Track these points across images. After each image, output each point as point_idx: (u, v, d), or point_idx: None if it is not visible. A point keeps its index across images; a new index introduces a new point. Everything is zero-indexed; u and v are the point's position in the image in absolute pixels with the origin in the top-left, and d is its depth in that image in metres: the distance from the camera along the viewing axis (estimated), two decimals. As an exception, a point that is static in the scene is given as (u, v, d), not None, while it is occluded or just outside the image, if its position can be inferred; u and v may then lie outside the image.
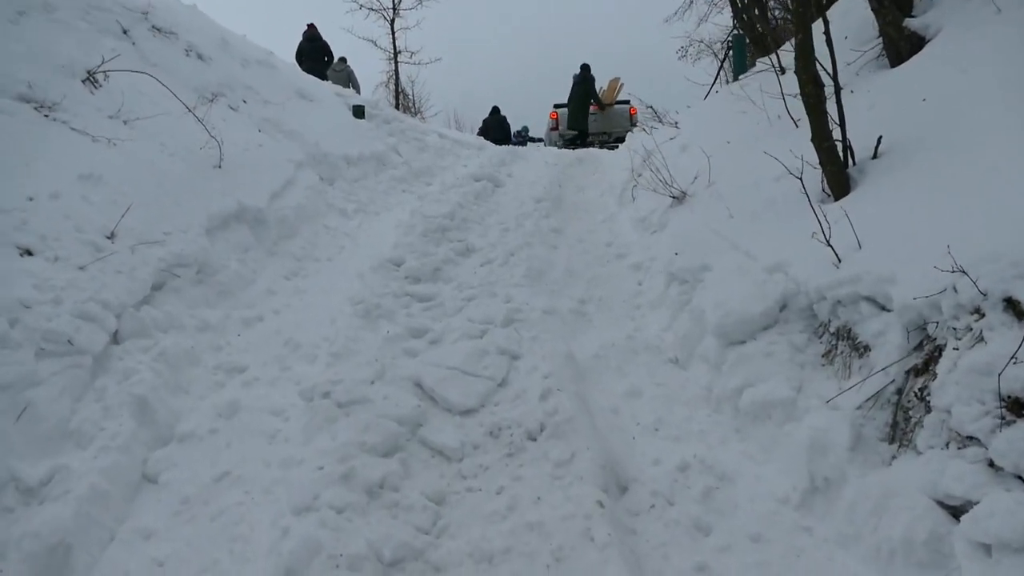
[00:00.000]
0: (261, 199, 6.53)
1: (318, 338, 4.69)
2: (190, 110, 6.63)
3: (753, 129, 5.96)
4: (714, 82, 10.60)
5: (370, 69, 15.80)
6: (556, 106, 19.89)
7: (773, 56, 7.20)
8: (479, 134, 19.90)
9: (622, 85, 19.34)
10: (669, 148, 7.13)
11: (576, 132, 15.88)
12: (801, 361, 3.36)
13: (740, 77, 10.15)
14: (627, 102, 19.77)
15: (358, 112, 11.34)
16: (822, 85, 4.10)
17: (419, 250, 5.88)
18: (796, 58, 4.12)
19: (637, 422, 3.55)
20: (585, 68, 16.51)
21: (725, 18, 24.99)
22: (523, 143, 20.08)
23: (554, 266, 5.78)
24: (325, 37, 14.46)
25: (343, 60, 14.75)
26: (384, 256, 5.72)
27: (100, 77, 6.64)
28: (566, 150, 13.62)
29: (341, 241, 7.04)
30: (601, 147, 19.38)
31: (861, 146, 4.23)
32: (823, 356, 3.34)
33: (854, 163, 4.20)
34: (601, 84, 19.75)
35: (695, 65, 17.61)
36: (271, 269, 5.98)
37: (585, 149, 13.20)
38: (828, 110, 4.15)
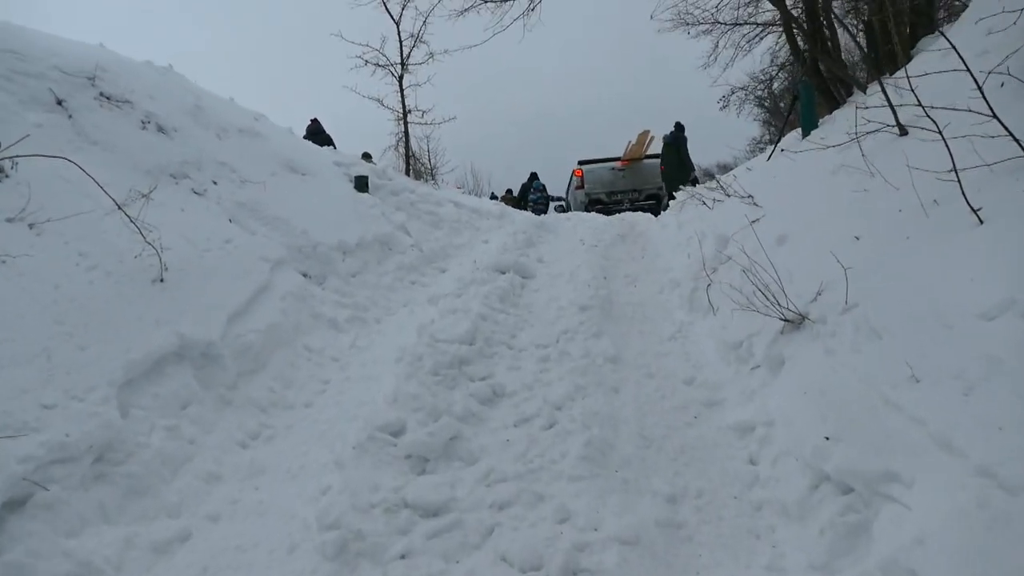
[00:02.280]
0: (215, 325, 4.84)
1: (263, 591, 2.93)
2: (120, 206, 4.98)
3: (894, 220, 4.21)
4: (778, 140, 8.92)
5: (377, 129, 14.26)
6: (581, 163, 18.39)
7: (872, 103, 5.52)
8: (515, 202, 18.51)
9: (652, 138, 17.80)
10: (756, 235, 5.40)
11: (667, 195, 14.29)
12: None
13: (810, 132, 8.48)
14: (658, 156, 18.24)
15: (361, 184, 9.75)
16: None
17: (427, 404, 4.13)
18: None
19: None
20: (680, 128, 15.04)
21: (753, 62, 23.58)
22: (543, 208, 18.44)
23: (620, 429, 4.00)
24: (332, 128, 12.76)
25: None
26: (377, 421, 3.96)
27: (7, 165, 5.06)
28: (599, 218, 11.94)
29: (327, 372, 5.32)
30: (632, 206, 17.83)
31: None
32: None
33: None
34: (629, 138, 18.26)
35: (739, 116, 15.98)
36: (221, 431, 4.25)
37: (620, 217, 11.50)
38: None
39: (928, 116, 3.83)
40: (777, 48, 21.73)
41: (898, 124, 5.27)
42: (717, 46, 20.67)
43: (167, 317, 4.59)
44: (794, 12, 9.34)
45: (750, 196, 6.55)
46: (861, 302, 3.77)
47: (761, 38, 20.85)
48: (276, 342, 5.33)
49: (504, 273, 7.39)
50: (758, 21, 20.59)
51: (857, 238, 4.32)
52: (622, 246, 8.68)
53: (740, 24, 20.78)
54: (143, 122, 6.85)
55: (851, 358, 3.51)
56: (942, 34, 5.42)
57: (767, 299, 4.36)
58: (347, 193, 9.11)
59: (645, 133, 17.43)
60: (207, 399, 4.41)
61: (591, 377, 4.54)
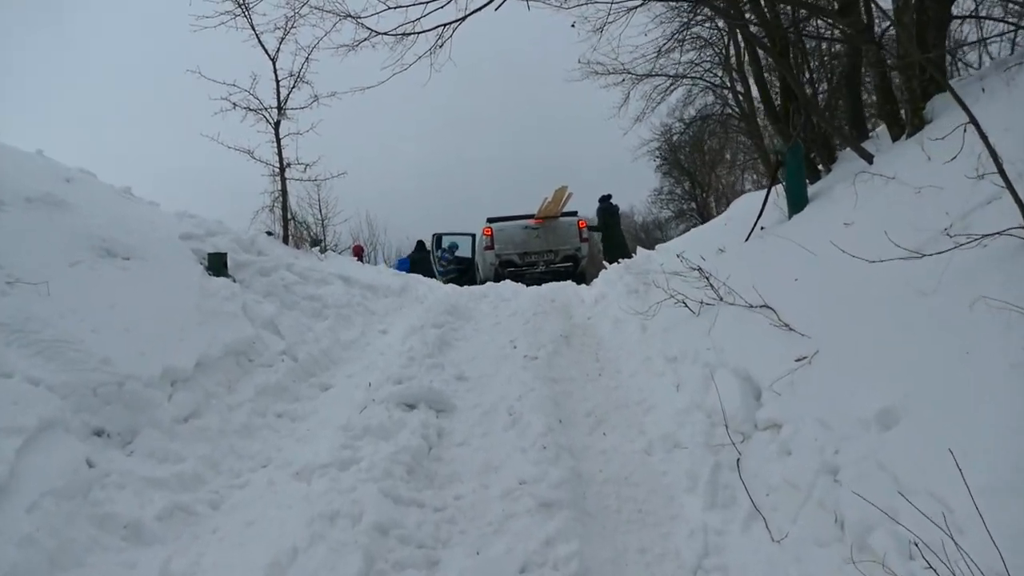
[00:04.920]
0: None
1: None
2: None
3: None
4: (759, 217, 7.11)
5: (249, 187, 11.73)
6: (490, 220, 16.40)
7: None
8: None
9: (570, 195, 16.03)
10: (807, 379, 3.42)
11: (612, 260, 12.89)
12: None
13: (801, 210, 6.70)
14: (575, 213, 16.52)
15: (216, 265, 7.32)
16: None
17: None
18: None
19: None
20: (609, 197, 15.93)
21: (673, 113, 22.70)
22: (456, 273, 16.34)
23: None
24: None
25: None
26: None
27: None
28: (521, 295, 9.86)
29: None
30: (547, 268, 15.90)
31: None
32: None
33: None
34: (546, 194, 16.44)
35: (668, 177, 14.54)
36: None
37: (550, 298, 9.45)
38: None
39: None
40: (688, 100, 20.74)
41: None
42: (628, 97, 19.58)
43: None
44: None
45: (767, 306, 4.58)
46: None
47: (672, 90, 19.83)
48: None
49: (412, 408, 5.18)
50: (668, 73, 19.58)
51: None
52: (568, 353, 6.56)
53: (651, 76, 19.72)
54: None
55: None
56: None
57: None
58: (193, 281, 6.64)
59: (563, 189, 15.63)
60: None
61: None
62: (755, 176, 24.71)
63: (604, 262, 12.01)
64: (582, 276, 14.95)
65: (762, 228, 6.97)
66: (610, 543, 3.49)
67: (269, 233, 10.41)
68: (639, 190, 40.44)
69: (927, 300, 3.47)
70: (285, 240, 10.43)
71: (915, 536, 2.30)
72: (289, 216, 10.76)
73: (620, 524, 3.68)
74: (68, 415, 4.12)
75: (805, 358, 3.79)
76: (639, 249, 10.64)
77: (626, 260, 9.82)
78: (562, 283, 11.48)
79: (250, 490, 4.43)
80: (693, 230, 13.13)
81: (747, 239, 6.96)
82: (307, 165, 10.99)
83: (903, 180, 5.02)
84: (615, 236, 15.30)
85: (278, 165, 10.73)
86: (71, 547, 3.41)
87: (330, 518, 3.51)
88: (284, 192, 10.76)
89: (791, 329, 4.17)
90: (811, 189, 7.12)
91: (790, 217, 6.72)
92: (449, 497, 3.95)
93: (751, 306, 4.75)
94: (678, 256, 6.47)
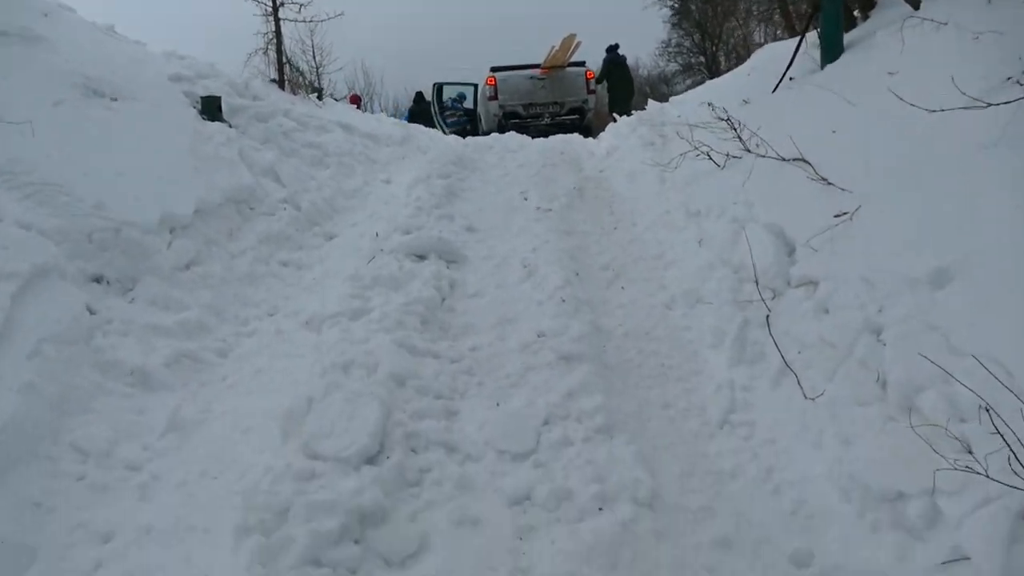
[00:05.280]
0: None
1: None
2: None
3: None
4: (789, 66, 6.65)
5: (240, 27, 10.93)
6: (494, 69, 15.64)
7: None
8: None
9: (579, 44, 15.19)
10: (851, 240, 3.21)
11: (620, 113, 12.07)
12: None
13: (835, 59, 6.23)
14: (583, 64, 15.74)
15: (210, 109, 6.92)
16: None
17: None
18: None
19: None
20: (616, 47, 14.93)
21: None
22: (462, 126, 15.79)
23: None
24: None
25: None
26: None
27: None
28: (528, 146, 9.46)
29: (112, 507, 2.83)
30: (552, 120, 15.33)
31: None
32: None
33: None
34: (552, 43, 15.58)
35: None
36: None
37: (559, 150, 9.07)
38: None
39: None
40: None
41: None
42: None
43: None
44: None
45: (802, 159, 4.29)
46: None
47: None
48: (7, 456, 2.80)
49: (422, 259, 4.99)
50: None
51: None
52: (583, 207, 6.29)
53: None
54: None
55: None
56: None
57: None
58: (187, 124, 6.28)
59: (571, 37, 14.78)
60: None
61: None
62: (769, 28, 23.53)
63: (614, 115, 11.44)
64: (588, 129, 14.42)
65: (791, 79, 6.55)
66: (632, 397, 3.40)
67: (274, 80, 9.85)
68: (646, 42, 38.43)
69: (990, 153, 3.19)
70: (281, 85, 9.91)
71: (979, 398, 2.15)
72: (284, 60, 10.16)
73: (642, 379, 3.58)
74: (63, 261, 3.92)
75: (846, 214, 3.56)
76: (650, 102, 10.13)
77: (638, 112, 9.36)
78: (569, 135, 11.03)
79: (258, 339, 4.32)
80: (709, 82, 12.51)
81: (774, 90, 6.55)
82: (301, 5, 10.31)
83: (958, 24, 4.59)
84: (622, 88, 14.60)
85: (270, 3, 10.04)
86: (75, 394, 3.31)
87: (344, 368, 3.38)
88: (278, 33, 10.11)
89: (829, 183, 3.90)
90: (846, 37, 6.63)
91: (823, 67, 6.28)
92: (465, 348, 3.83)
93: (783, 159, 4.46)
94: (708, 104, 6.06)
